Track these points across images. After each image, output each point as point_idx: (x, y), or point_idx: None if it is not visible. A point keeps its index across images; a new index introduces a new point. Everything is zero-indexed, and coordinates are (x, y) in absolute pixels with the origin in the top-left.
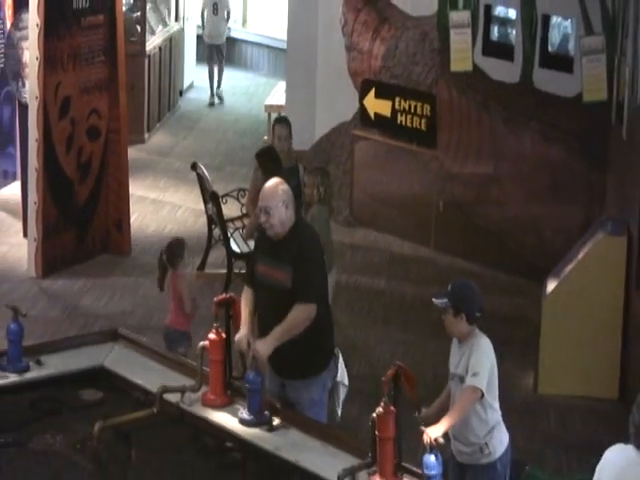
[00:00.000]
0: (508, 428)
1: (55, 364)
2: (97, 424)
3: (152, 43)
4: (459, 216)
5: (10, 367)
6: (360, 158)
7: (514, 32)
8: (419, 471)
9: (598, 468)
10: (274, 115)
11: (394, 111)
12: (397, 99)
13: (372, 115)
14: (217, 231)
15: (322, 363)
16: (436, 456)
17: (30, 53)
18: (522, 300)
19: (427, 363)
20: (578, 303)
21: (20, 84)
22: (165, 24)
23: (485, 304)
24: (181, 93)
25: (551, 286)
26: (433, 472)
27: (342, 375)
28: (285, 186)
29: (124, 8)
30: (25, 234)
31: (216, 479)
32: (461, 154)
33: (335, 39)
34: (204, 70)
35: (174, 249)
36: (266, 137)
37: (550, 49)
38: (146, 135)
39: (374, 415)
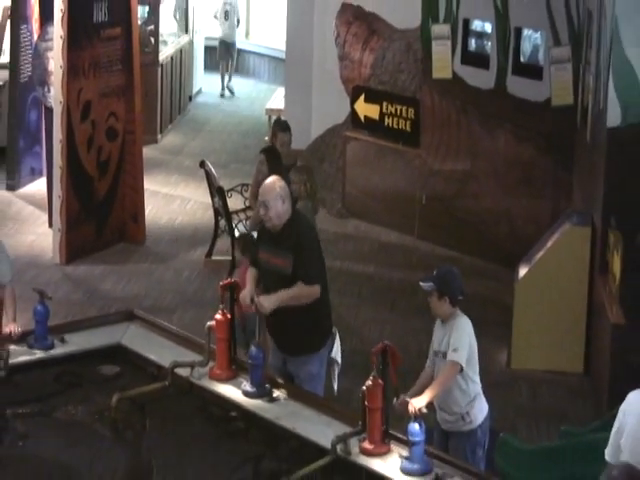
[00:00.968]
0: (486, 400)
1: (77, 342)
2: (115, 396)
3: (164, 53)
4: (440, 208)
5: (37, 344)
6: (351, 156)
7: (489, 43)
8: (405, 438)
9: (621, 409)
10: (274, 118)
11: (382, 114)
12: (384, 103)
13: (362, 118)
14: (223, 222)
15: (321, 341)
16: (420, 424)
17: (55, 62)
18: (496, 284)
19: (412, 340)
20: (547, 287)
21: (46, 90)
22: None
23: (464, 287)
24: (190, 98)
25: (523, 271)
26: (417, 439)
27: (336, 352)
28: (282, 182)
29: (139, 22)
30: (50, 225)
31: (222, 445)
32: (442, 153)
33: (329, 49)
34: (211, 77)
35: (248, 244)
36: (267, 138)
37: (522, 58)
38: (159, 136)
39: (364, 387)
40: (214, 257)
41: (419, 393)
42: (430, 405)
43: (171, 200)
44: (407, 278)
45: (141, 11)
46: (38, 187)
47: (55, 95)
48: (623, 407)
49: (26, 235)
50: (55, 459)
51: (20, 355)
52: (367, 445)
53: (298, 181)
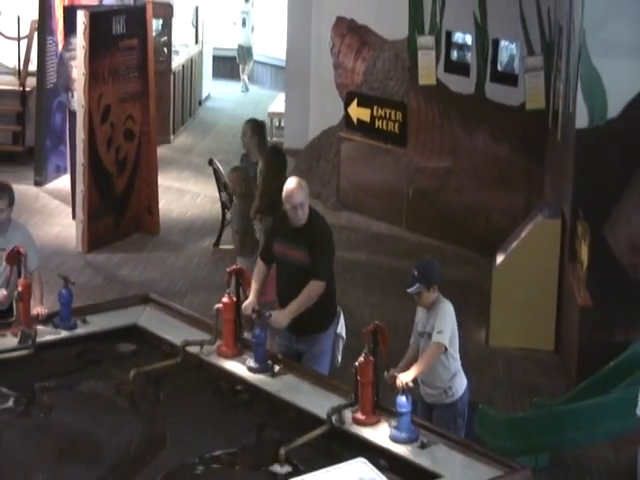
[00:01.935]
0: (466, 375)
1: (97, 322)
2: (132, 371)
3: (176, 62)
4: (425, 202)
5: (61, 325)
6: (345, 155)
7: (470, 53)
8: (393, 409)
9: None
10: (276, 120)
11: (372, 117)
12: (375, 107)
13: (355, 120)
14: (229, 214)
15: (329, 321)
16: (407, 397)
17: (78, 70)
18: (476, 270)
19: (399, 321)
20: (521, 273)
21: (70, 95)
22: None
23: (446, 274)
24: (200, 103)
25: (499, 259)
26: (404, 410)
27: (341, 329)
28: (305, 184)
29: (154, 34)
30: (73, 217)
31: (228, 415)
32: (427, 152)
33: (325, 59)
34: (219, 84)
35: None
36: (269, 138)
37: (499, 67)
38: (172, 136)
39: (356, 364)
40: (221, 246)
41: (406, 368)
42: (415, 380)
43: (182, 194)
44: (395, 265)
45: (155, 24)
46: (63, 183)
47: (78, 100)
48: None
49: (52, 226)
50: (78, 428)
51: (46, 334)
52: (359, 416)
53: (234, 180)
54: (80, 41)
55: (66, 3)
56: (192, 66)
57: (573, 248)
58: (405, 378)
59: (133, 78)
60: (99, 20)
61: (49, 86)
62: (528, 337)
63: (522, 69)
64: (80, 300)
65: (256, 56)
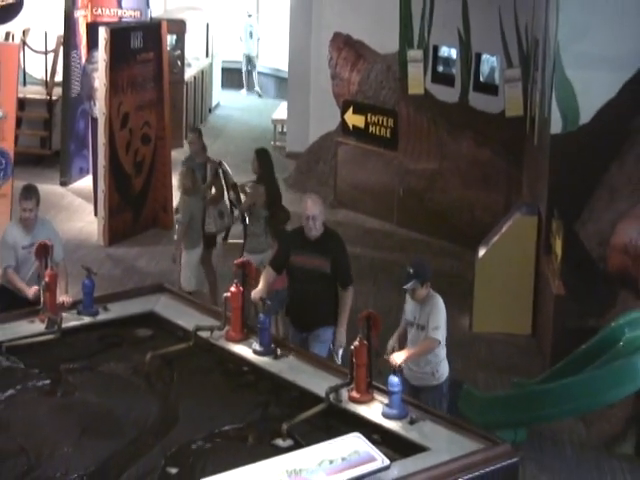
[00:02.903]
0: (451, 357)
1: (117, 310)
2: (148, 354)
3: (189, 74)
4: (414, 200)
5: (85, 312)
6: (342, 158)
7: (454, 66)
8: (385, 388)
9: None
10: (279, 126)
11: (367, 123)
12: (369, 114)
13: (350, 126)
14: (237, 212)
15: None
16: (398, 377)
17: (99, 81)
18: (460, 262)
19: (391, 309)
20: (502, 265)
21: (92, 103)
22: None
23: (433, 265)
24: (210, 110)
25: (482, 252)
26: (396, 389)
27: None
28: (321, 201)
29: (168, 48)
30: (95, 214)
31: (236, 394)
32: (415, 155)
33: (323, 70)
34: (228, 93)
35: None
36: (272, 142)
37: (481, 78)
38: (184, 141)
39: (352, 347)
40: (230, 240)
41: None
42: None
43: None
44: (387, 257)
45: (170, 39)
46: (85, 183)
47: (99, 108)
48: None
49: (76, 222)
50: (99, 405)
51: (71, 320)
52: (355, 394)
53: (182, 177)
54: (101, 55)
55: (89, 20)
56: (203, 77)
57: (548, 242)
58: (398, 359)
59: (149, 88)
60: (119, 36)
61: (73, 95)
62: (508, 323)
63: (502, 80)
64: (101, 289)
65: (261, 68)
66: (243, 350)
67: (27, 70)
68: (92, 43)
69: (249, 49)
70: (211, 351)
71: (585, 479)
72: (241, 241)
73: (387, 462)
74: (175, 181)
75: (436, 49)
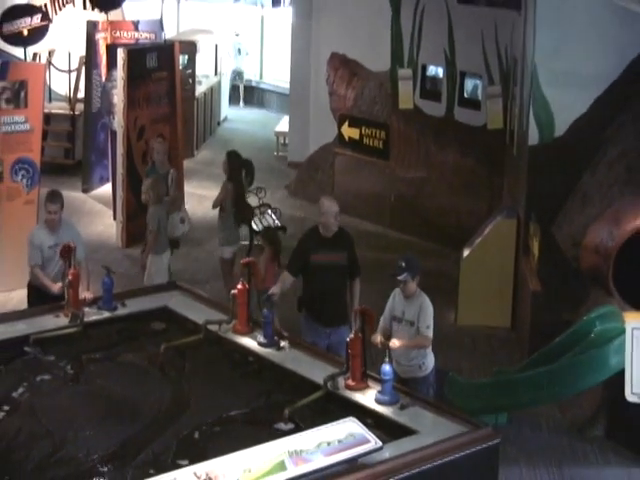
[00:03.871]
0: (438, 348)
1: (134, 305)
2: (162, 345)
3: (199, 90)
4: (405, 205)
5: (104, 307)
6: (339, 167)
7: (441, 83)
8: (378, 377)
9: None
10: (281, 138)
11: (361, 135)
12: (363, 127)
13: (347, 138)
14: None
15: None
16: (390, 366)
17: (118, 97)
18: (446, 262)
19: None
20: (484, 264)
21: (111, 118)
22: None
23: (422, 264)
24: (219, 123)
25: (466, 252)
26: (388, 377)
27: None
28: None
29: (180, 67)
30: (114, 218)
31: (242, 382)
32: (405, 164)
33: (322, 87)
34: (234, 109)
35: (273, 235)
36: (275, 153)
37: (465, 94)
38: (195, 152)
39: (348, 339)
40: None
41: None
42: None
43: (204, 200)
44: (379, 257)
45: (182, 59)
46: (105, 190)
47: (118, 121)
48: None
49: (96, 226)
50: (118, 392)
51: (92, 315)
52: (350, 382)
53: (145, 190)
54: (120, 73)
55: (109, 42)
56: (212, 93)
57: (526, 243)
58: (394, 344)
59: (163, 103)
60: (135, 56)
61: (94, 111)
62: (489, 317)
63: (484, 96)
64: (119, 286)
65: (264, 85)
66: (249, 342)
67: (52, 87)
68: (111, 63)
69: (238, 65)
70: (219, 343)
71: (560, 459)
72: (246, 242)
73: (380, 444)
74: (186, 188)
75: (424, 68)
